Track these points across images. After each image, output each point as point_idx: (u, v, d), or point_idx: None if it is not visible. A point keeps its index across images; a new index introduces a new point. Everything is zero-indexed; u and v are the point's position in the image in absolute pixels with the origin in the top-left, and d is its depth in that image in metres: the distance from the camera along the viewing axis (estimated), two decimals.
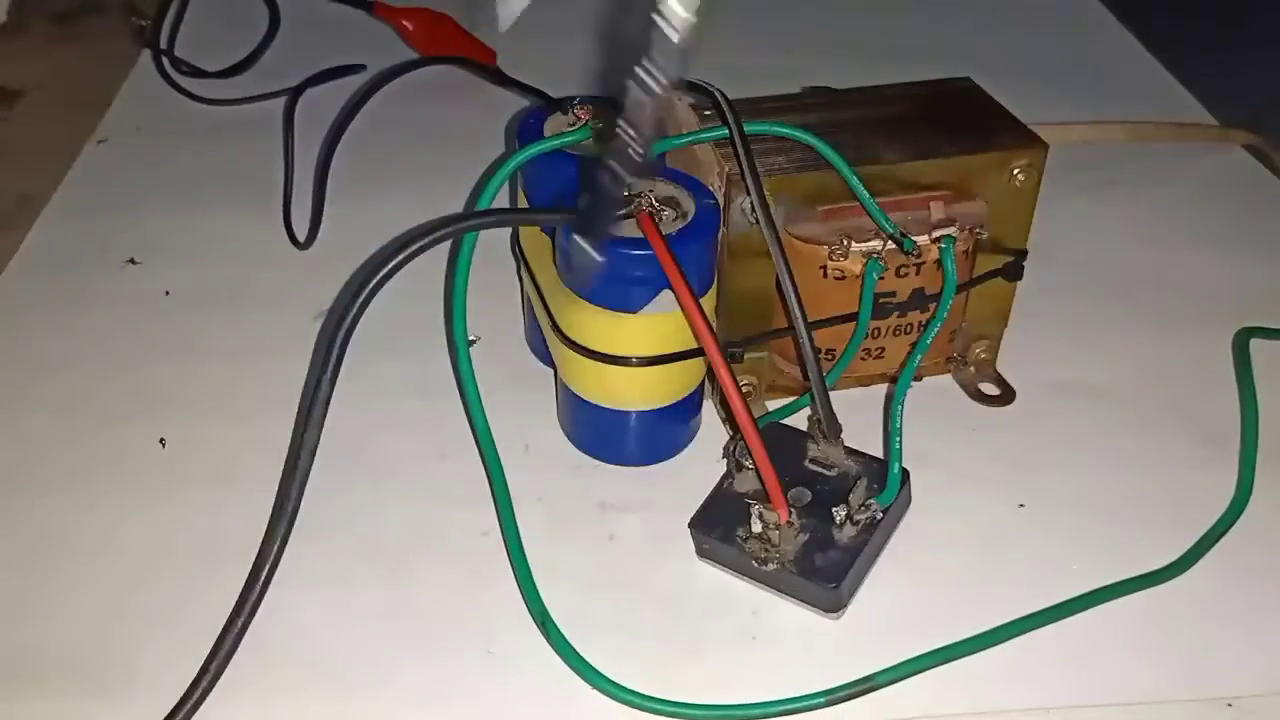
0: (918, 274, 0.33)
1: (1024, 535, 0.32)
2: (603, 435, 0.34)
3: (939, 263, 0.33)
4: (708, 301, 0.31)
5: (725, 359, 0.28)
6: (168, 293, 0.41)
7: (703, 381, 0.34)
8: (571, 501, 0.32)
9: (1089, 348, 0.38)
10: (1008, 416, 0.36)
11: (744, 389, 0.35)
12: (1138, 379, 0.37)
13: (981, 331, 0.37)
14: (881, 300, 0.33)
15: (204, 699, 0.27)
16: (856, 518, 0.29)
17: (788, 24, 0.62)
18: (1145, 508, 0.33)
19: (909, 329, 0.34)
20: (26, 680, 0.28)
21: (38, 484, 0.33)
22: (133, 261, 0.43)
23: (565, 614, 0.29)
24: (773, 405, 0.35)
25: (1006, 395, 0.37)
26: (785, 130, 0.32)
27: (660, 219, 0.30)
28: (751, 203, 0.30)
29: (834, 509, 0.29)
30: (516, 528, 0.30)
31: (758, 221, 0.31)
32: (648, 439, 0.34)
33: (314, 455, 0.27)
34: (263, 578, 0.27)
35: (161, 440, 0.35)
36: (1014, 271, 0.35)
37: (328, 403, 0.27)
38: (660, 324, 0.30)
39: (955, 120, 0.35)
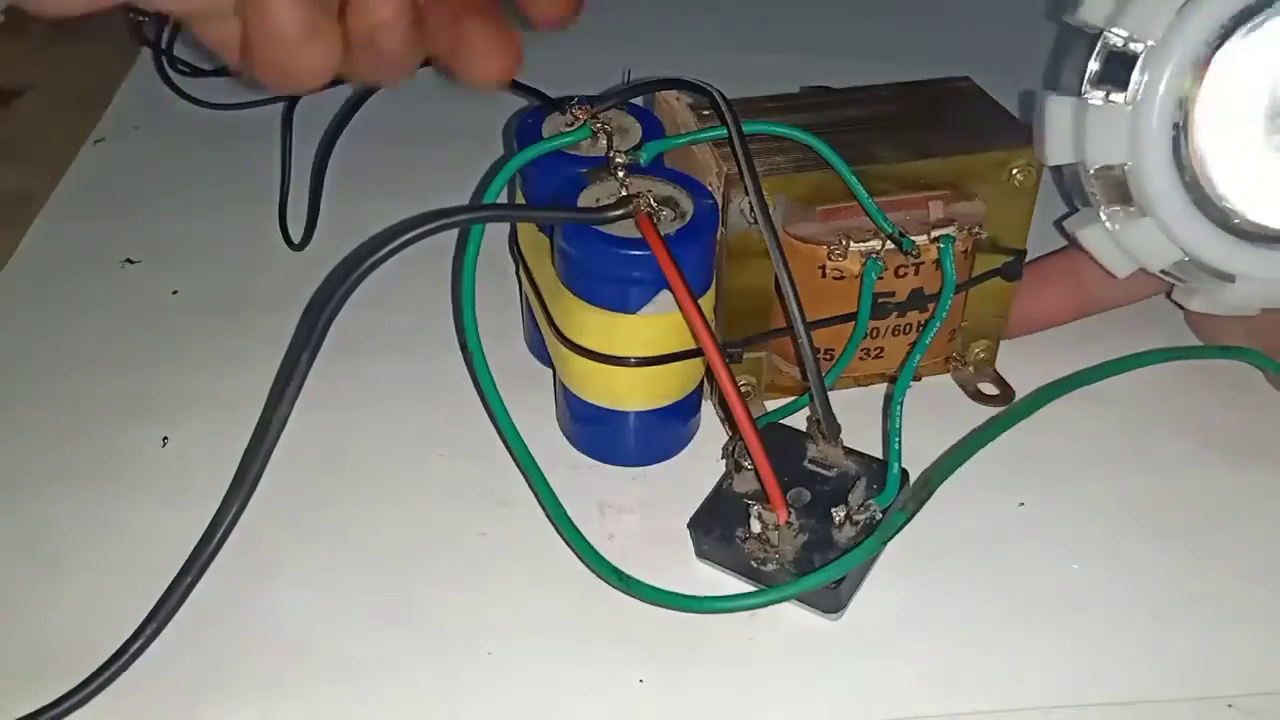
0: (916, 274, 0.33)
1: (1024, 534, 0.32)
2: (601, 435, 0.34)
3: (938, 263, 0.33)
4: (706, 301, 0.31)
5: (724, 359, 0.28)
6: (175, 292, 0.41)
7: (701, 382, 0.34)
8: (571, 501, 0.32)
9: (1088, 346, 0.38)
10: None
11: (743, 389, 0.35)
12: (1138, 379, 0.37)
13: (980, 331, 0.37)
14: (880, 300, 0.33)
15: (135, 658, 0.27)
16: (856, 518, 0.28)
17: (788, 24, 0.62)
18: (1146, 508, 0.33)
19: (908, 329, 0.34)
20: (25, 680, 0.28)
21: (38, 483, 0.33)
22: (130, 261, 0.43)
23: (564, 615, 0.29)
24: (772, 405, 0.35)
25: (1005, 395, 0.37)
26: (784, 130, 0.32)
27: (658, 219, 0.30)
28: (750, 203, 0.30)
29: (833, 509, 0.29)
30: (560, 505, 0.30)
31: (756, 222, 0.31)
32: (646, 439, 0.34)
33: (283, 426, 0.27)
34: (213, 543, 0.28)
35: (164, 439, 0.35)
36: (1013, 271, 0.35)
37: (303, 380, 0.27)
38: (658, 324, 0.30)
39: (954, 120, 0.35)
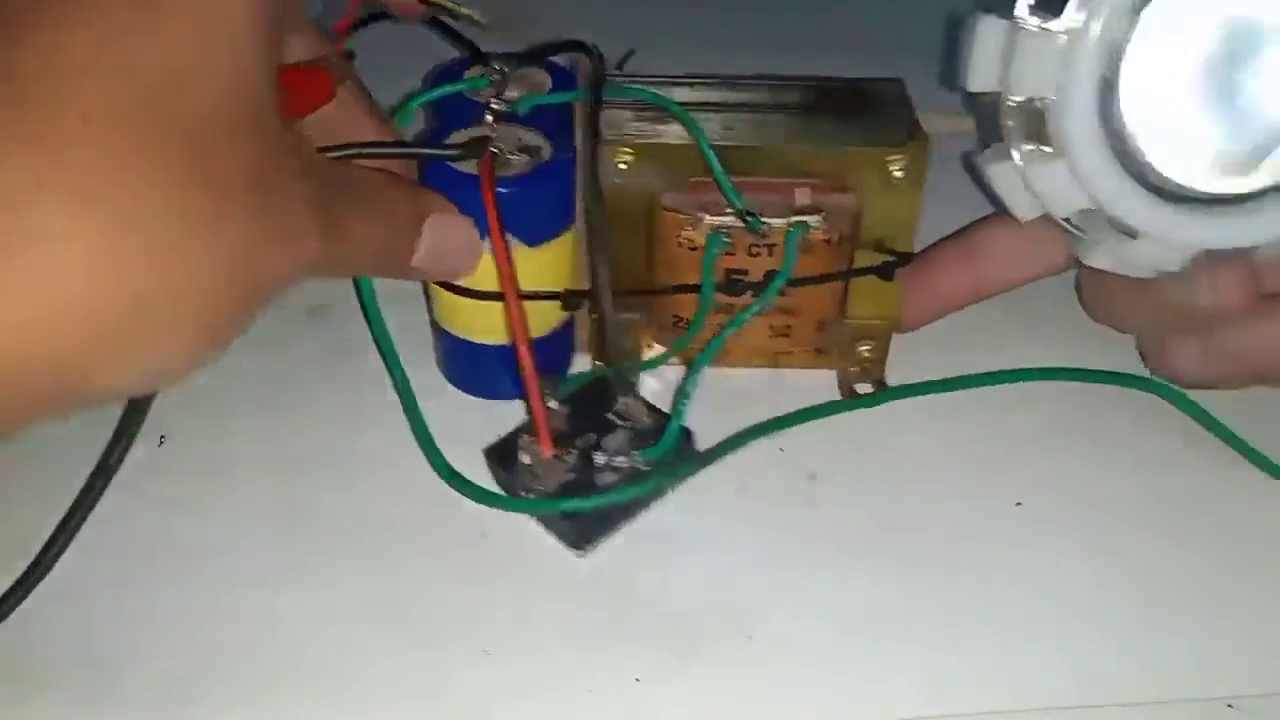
0: (770, 255, 0.34)
1: (1022, 534, 0.32)
2: (467, 369, 0.36)
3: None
4: (556, 250, 0.33)
5: (519, 302, 0.30)
6: None
7: (570, 322, 0.36)
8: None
9: (992, 350, 0.37)
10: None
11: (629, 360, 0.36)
12: None
13: (866, 331, 0.37)
14: (734, 277, 0.34)
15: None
16: (616, 465, 0.30)
17: (776, 23, 0.60)
18: (1146, 508, 0.33)
19: (767, 312, 0.35)
20: (21, 680, 0.28)
21: (34, 483, 0.33)
22: None
23: (563, 614, 0.30)
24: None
25: (878, 394, 0.37)
26: (649, 96, 0.34)
27: (506, 163, 0.32)
28: (615, 163, 0.32)
29: (594, 453, 0.30)
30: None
31: (628, 184, 0.32)
32: (508, 373, 0.35)
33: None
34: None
35: (161, 438, 0.35)
36: (887, 272, 0.35)
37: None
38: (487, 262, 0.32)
39: (853, 114, 0.35)
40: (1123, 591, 0.30)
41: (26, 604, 0.29)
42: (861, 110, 0.35)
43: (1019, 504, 0.33)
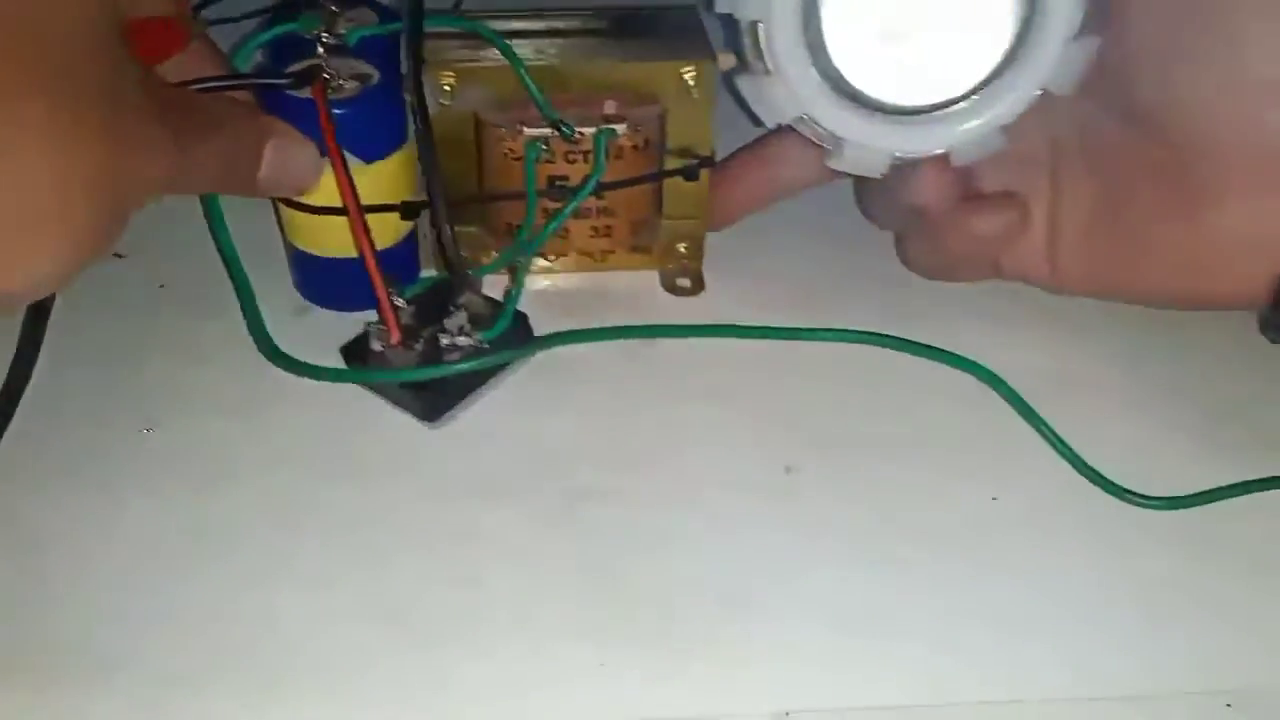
0: (585, 161, 0.38)
1: (1021, 531, 0.33)
2: (320, 283, 0.39)
3: (608, 154, 0.38)
4: (392, 165, 0.37)
5: (359, 207, 0.33)
6: (162, 286, 0.40)
7: (413, 236, 0.39)
8: (544, 493, 0.33)
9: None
10: None
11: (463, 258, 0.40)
12: (1125, 365, 0.38)
13: (681, 232, 0.41)
14: (558, 183, 0.38)
15: None
16: (459, 343, 0.34)
17: None
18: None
19: (589, 213, 0.39)
20: (13, 675, 0.28)
21: (28, 480, 0.33)
22: (118, 255, 0.41)
23: (553, 615, 0.30)
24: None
25: (695, 289, 0.41)
26: (461, 24, 0.37)
27: (342, 89, 0.35)
28: (432, 85, 0.35)
29: (440, 335, 0.34)
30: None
31: (449, 104, 0.36)
32: (357, 284, 0.37)
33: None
34: None
35: (146, 429, 0.35)
36: (691, 174, 0.40)
37: None
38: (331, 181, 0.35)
39: (653, 36, 0.39)
40: (1121, 586, 0.31)
41: (27, 604, 0.30)
42: (660, 33, 0.40)
43: (994, 499, 0.34)
